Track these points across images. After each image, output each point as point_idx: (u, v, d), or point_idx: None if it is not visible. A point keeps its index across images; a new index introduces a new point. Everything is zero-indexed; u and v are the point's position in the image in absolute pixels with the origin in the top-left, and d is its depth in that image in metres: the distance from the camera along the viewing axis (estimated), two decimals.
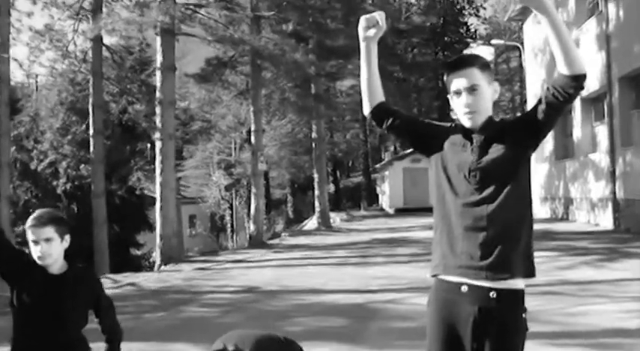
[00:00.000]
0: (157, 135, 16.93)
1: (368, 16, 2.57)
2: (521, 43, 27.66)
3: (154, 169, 18.38)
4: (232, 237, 33.21)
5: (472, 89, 2.44)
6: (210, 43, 19.96)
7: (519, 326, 2.38)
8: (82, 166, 23.82)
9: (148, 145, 29.18)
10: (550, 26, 2.22)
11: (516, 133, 2.44)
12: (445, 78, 2.55)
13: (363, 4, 21.01)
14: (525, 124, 2.46)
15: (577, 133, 19.18)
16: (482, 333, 2.35)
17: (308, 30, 21.38)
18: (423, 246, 13.88)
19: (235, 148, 34.57)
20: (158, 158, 16.73)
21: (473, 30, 46.90)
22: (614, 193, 16.13)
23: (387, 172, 35.76)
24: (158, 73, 17.08)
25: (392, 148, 46.05)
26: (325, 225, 25.63)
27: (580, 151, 18.90)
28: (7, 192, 15.50)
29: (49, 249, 2.68)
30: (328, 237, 20.46)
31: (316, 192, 26.67)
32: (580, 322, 6.47)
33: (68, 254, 2.81)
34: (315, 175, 26.95)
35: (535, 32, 22.49)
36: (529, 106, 23.16)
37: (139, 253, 26.94)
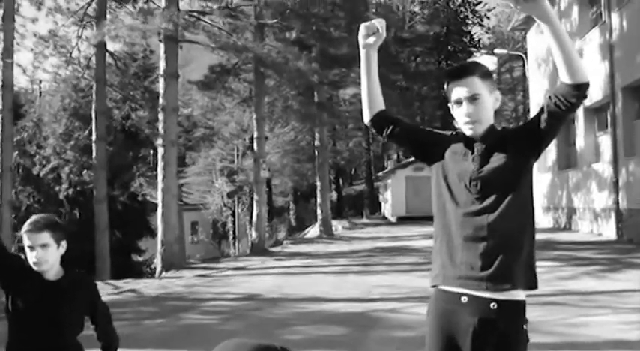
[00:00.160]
0: (160, 141, 16.94)
1: (368, 23, 2.55)
2: (525, 53, 27.67)
3: (156, 176, 18.39)
4: (234, 244, 33.16)
5: (473, 98, 2.42)
6: (213, 51, 20.03)
7: (520, 338, 2.35)
8: (85, 171, 23.83)
9: (151, 152, 29.21)
10: (552, 35, 2.20)
11: (518, 142, 2.41)
12: (446, 87, 2.52)
13: (366, 13, 21.04)
14: (527, 133, 2.44)
15: (580, 142, 19.14)
16: (482, 344, 2.32)
17: (311, 38, 21.41)
18: (424, 255, 13.83)
19: (238, 156, 34.61)
20: (160, 165, 16.75)
21: (476, 39, 46.90)
22: (617, 203, 16.08)
23: (389, 181, 35.72)
24: (161, 80, 17.13)
25: (395, 157, 46.02)
26: (327, 233, 25.59)
27: (583, 161, 18.86)
28: (9, 197, 15.53)
29: (45, 255, 2.66)
30: (330, 245, 20.42)
31: (319, 200, 26.65)
32: (581, 333, 6.43)
33: (66, 260, 2.80)
34: (318, 183, 26.93)
35: (538, 42, 22.50)
36: (532, 115, 23.12)
37: (140, 259, 26.93)
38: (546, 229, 20.23)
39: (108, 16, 19.85)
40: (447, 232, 2.45)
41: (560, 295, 8.51)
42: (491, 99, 2.48)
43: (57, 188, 24.43)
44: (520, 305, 2.37)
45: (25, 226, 2.68)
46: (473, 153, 2.45)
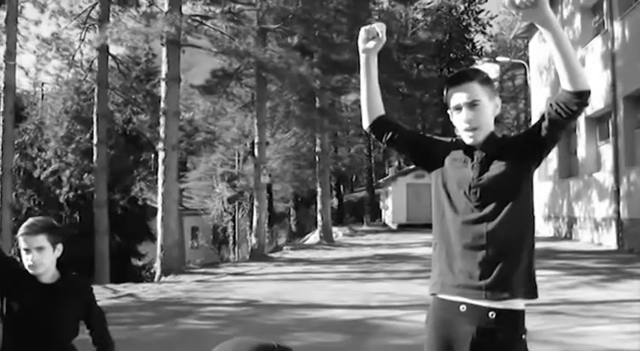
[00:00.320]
0: (161, 145, 16.94)
1: (368, 27, 2.52)
2: (527, 61, 27.68)
3: (156, 180, 18.38)
4: (234, 249, 33.15)
5: (472, 104, 2.39)
6: (215, 55, 20.05)
7: (519, 347, 2.32)
8: (85, 175, 23.82)
9: (152, 156, 29.20)
10: (554, 42, 2.18)
11: (518, 149, 2.38)
12: (445, 93, 2.49)
13: (368, 19, 21.07)
14: (528, 140, 2.41)
15: (581, 152, 19.12)
16: None
17: (313, 44, 21.44)
18: (424, 262, 13.80)
19: (239, 161, 34.64)
20: (161, 169, 16.74)
21: (479, 47, 47.00)
22: (618, 212, 16.04)
23: (390, 188, 35.71)
24: (163, 84, 17.14)
25: (396, 164, 46.04)
26: (327, 239, 25.57)
27: (584, 170, 18.84)
28: (9, 199, 15.53)
29: (40, 258, 2.64)
30: (330, 251, 20.39)
31: (319, 206, 26.64)
32: (580, 343, 6.39)
33: (64, 263, 2.77)
34: (319, 189, 26.92)
35: (541, 50, 22.52)
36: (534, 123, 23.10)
37: (140, 263, 26.87)
38: (547, 238, 20.19)
39: (111, 19, 19.90)
40: (445, 239, 2.42)
41: (560, 305, 8.47)
42: (491, 105, 2.45)
43: (57, 191, 24.42)
44: (519, 315, 2.33)
45: (22, 229, 2.66)
46: (473, 160, 2.42)
